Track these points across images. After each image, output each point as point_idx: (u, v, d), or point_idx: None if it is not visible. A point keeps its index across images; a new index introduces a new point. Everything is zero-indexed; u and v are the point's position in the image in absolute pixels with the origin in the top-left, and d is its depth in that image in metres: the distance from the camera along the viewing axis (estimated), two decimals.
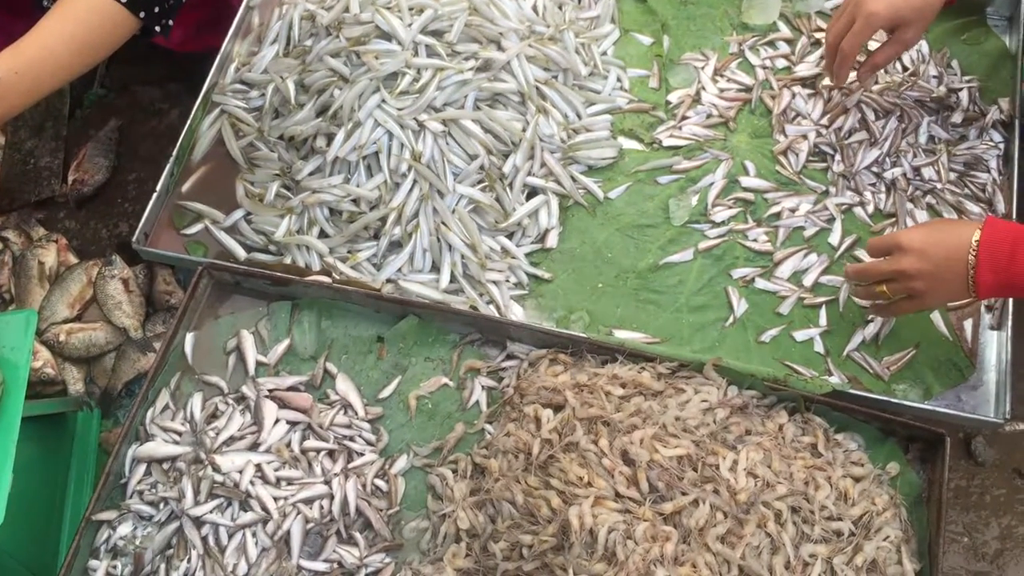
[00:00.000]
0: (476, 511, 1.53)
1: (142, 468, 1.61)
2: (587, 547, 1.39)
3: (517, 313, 1.77)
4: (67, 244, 2.03)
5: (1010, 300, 1.71)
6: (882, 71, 1.96)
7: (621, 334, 1.74)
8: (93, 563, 1.56)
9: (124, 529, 1.57)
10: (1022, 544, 1.80)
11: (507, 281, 1.80)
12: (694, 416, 1.55)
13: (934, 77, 1.97)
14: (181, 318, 1.72)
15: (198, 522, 1.54)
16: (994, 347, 1.72)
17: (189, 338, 1.75)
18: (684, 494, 1.43)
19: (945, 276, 1.50)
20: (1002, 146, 1.89)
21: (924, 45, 2.01)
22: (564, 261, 1.83)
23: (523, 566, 1.44)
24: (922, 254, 1.51)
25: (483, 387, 1.70)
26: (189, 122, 1.94)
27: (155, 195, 1.87)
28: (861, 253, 1.79)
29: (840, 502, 1.50)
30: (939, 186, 1.84)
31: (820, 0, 2.07)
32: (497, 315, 1.75)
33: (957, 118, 1.91)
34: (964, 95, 1.94)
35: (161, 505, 1.57)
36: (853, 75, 1.82)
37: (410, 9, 1.82)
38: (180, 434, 1.64)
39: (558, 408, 1.57)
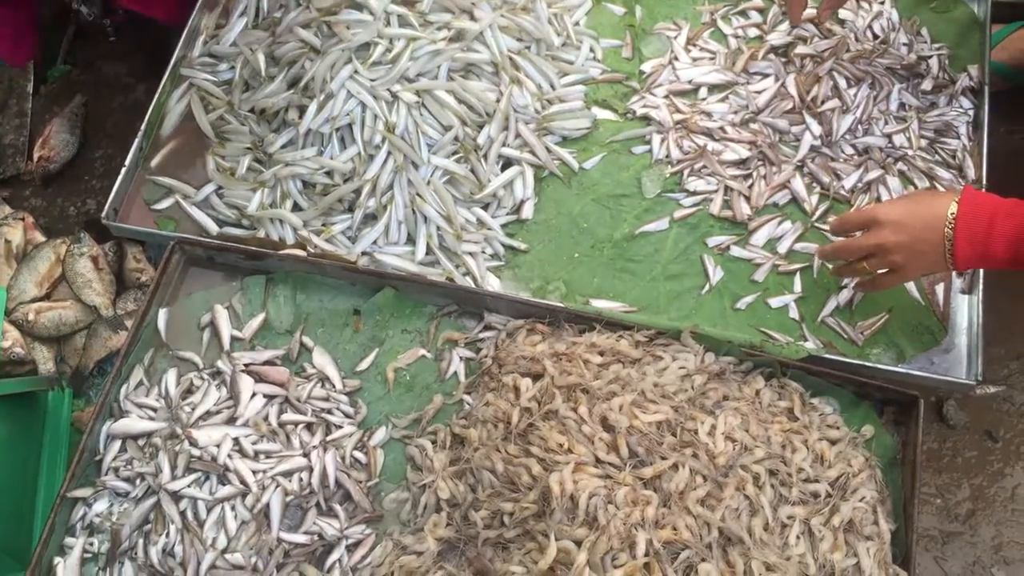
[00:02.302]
0: (456, 481, 1.53)
1: (117, 444, 1.60)
2: (568, 513, 1.40)
3: (493, 284, 1.77)
4: (34, 222, 1.99)
5: None
6: (853, 39, 1.97)
7: (598, 303, 1.74)
8: (69, 540, 1.55)
9: (100, 506, 1.56)
10: (993, 504, 1.83)
11: (483, 252, 1.80)
12: (672, 382, 1.56)
13: (904, 45, 1.98)
14: (154, 293, 1.70)
15: (176, 497, 1.53)
16: (965, 311, 1.74)
17: (162, 314, 1.73)
18: (664, 459, 1.44)
19: (923, 248, 1.50)
20: (971, 113, 1.91)
21: (894, 13, 2.02)
22: (540, 232, 1.83)
23: (504, 533, 1.45)
24: (899, 226, 1.51)
25: (461, 358, 1.69)
26: (157, 96, 1.92)
27: (124, 170, 1.85)
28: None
29: (817, 464, 1.52)
30: (910, 153, 1.86)
31: None
32: (474, 286, 1.74)
33: (927, 85, 1.92)
34: (934, 62, 1.95)
35: (137, 481, 1.56)
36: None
37: None
38: (155, 410, 1.63)
39: (537, 377, 1.57)
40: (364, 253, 1.77)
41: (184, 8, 2.03)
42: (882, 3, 2.04)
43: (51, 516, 1.52)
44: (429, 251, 1.77)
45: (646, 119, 1.93)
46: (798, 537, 1.44)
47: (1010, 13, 2.10)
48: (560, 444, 1.46)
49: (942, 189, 1.82)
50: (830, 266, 1.74)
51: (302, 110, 1.79)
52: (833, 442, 1.56)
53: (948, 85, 1.93)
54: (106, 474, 1.58)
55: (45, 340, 1.87)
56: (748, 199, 1.83)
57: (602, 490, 1.40)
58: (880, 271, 1.59)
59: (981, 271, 1.73)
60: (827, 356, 1.66)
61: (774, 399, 1.60)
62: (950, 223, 1.47)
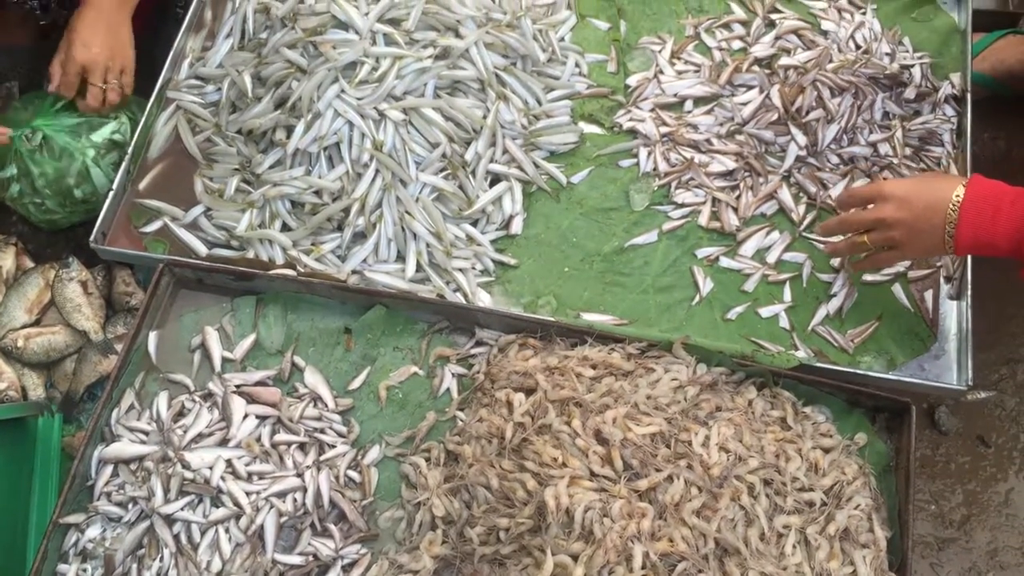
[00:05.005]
0: (451, 498, 1.52)
1: (109, 469, 1.59)
2: (564, 527, 1.39)
3: (484, 300, 1.77)
4: (23, 248, 1.98)
5: (968, 270, 1.74)
6: (836, 50, 1.98)
7: (589, 317, 1.74)
8: (62, 567, 1.53)
9: (93, 531, 1.54)
10: (987, 510, 1.83)
11: (473, 268, 1.80)
12: (665, 394, 1.56)
13: (886, 54, 2.00)
14: (143, 316, 1.70)
15: (169, 520, 1.52)
16: (954, 316, 1.75)
17: (152, 337, 1.72)
18: (658, 470, 1.44)
19: (923, 227, 1.52)
20: (955, 120, 1.93)
21: (876, 23, 2.04)
22: (529, 247, 1.83)
23: (500, 549, 1.44)
24: (903, 203, 1.53)
25: (453, 374, 1.69)
26: (144, 119, 1.91)
27: (111, 193, 1.84)
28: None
29: (811, 473, 1.52)
30: (895, 161, 1.87)
31: None
32: (464, 302, 1.74)
33: (910, 94, 1.94)
34: (916, 71, 1.97)
35: (130, 505, 1.55)
36: None
37: None
38: (147, 433, 1.62)
39: (529, 392, 1.57)
40: (354, 271, 1.77)
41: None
42: (864, 13, 2.06)
43: (43, 543, 1.51)
44: (419, 268, 1.77)
45: (633, 133, 1.94)
46: (794, 546, 1.44)
47: (990, 22, 2.13)
48: (554, 458, 1.46)
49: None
50: (828, 241, 1.74)
51: (289, 130, 1.79)
52: (826, 450, 1.56)
53: (931, 93, 1.95)
54: (98, 499, 1.57)
55: (35, 366, 1.86)
56: (736, 210, 1.84)
57: (597, 503, 1.40)
58: (879, 248, 1.60)
59: (969, 276, 1.74)
60: (818, 365, 1.67)
61: (767, 409, 1.61)
62: (954, 207, 1.49)
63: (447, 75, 1.82)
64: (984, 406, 1.91)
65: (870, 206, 1.59)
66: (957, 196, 1.49)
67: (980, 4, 2.11)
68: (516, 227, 1.84)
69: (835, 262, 1.78)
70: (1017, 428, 1.90)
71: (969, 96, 1.92)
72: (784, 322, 1.75)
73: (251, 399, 1.64)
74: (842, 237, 1.68)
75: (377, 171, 1.77)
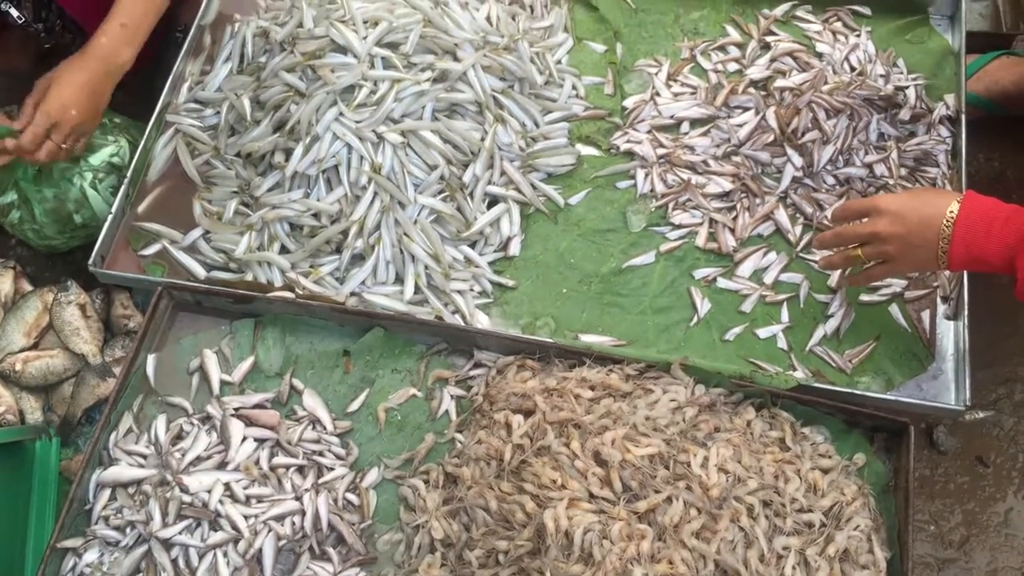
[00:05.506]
0: (450, 520, 1.52)
1: (107, 493, 1.59)
2: (563, 549, 1.39)
3: (483, 322, 1.78)
4: (21, 271, 1.99)
5: (965, 290, 1.75)
6: (831, 71, 2.00)
7: (587, 338, 1.75)
8: None
9: (90, 556, 1.54)
10: (987, 530, 1.83)
11: (471, 290, 1.80)
12: (663, 415, 1.56)
13: (881, 76, 2.01)
14: (142, 339, 1.70)
15: (167, 544, 1.51)
16: (951, 336, 1.75)
17: (151, 359, 1.72)
18: (657, 492, 1.44)
19: (916, 242, 1.52)
20: (950, 141, 1.94)
21: (870, 45, 2.06)
22: (527, 268, 1.84)
23: (500, 572, 1.44)
24: (897, 217, 1.54)
25: (452, 396, 1.69)
26: (143, 143, 1.92)
27: (110, 217, 1.85)
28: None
29: (810, 494, 1.52)
30: (891, 182, 1.88)
31: None
32: (463, 324, 1.75)
33: (905, 115, 1.95)
34: (911, 93, 1.98)
35: (128, 529, 1.55)
36: None
37: (365, 22, 1.83)
38: (145, 457, 1.62)
39: (528, 413, 1.57)
40: (353, 294, 1.77)
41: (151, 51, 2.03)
42: (858, 36, 2.07)
43: (41, 567, 1.51)
44: (417, 290, 1.77)
45: (630, 154, 1.95)
46: (794, 568, 1.43)
47: (984, 44, 2.14)
48: (553, 480, 1.46)
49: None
50: (823, 254, 1.75)
51: (288, 153, 1.80)
52: (825, 471, 1.56)
53: (926, 114, 1.96)
54: (96, 523, 1.57)
55: (33, 390, 1.86)
56: (733, 231, 1.85)
57: (597, 525, 1.40)
58: (871, 262, 1.61)
59: (966, 296, 1.75)
60: (817, 385, 1.67)
61: (765, 429, 1.61)
62: (948, 222, 1.49)
63: (445, 98, 1.83)
64: (982, 426, 1.91)
65: (864, 220, 1.60)
66: (951, 212, 1.50)
67: (974, 26, 2.13)
68: (514, 249, 1.85)
69: (832, 281, 1.78)
70: (1015, 448, 1.90)
71: (964, 117, 1.93)
72: (782, 342, 1.75)
73: (249, 422, 1.63)
74: (837, 250, 1.68)
75: (375, 193, 1.78)
